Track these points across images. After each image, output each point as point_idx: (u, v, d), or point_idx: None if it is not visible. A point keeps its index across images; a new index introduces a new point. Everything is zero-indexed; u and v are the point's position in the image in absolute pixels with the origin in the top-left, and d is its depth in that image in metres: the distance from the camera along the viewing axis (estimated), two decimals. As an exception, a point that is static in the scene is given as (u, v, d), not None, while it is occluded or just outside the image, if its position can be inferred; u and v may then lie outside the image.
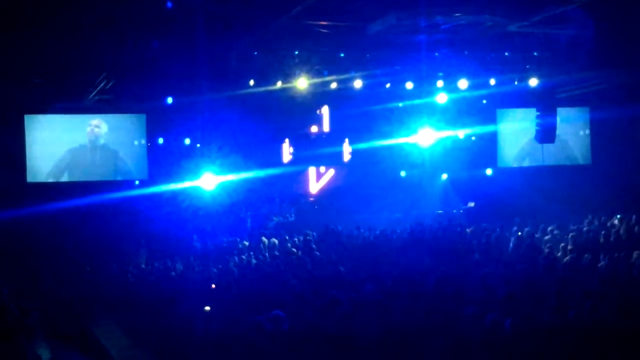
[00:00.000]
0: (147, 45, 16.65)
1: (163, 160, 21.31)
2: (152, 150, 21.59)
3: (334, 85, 21.25)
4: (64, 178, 20.96)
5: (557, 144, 24.17)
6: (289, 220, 22.38)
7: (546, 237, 17.58)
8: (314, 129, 22.88)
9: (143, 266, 16.62)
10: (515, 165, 24.90)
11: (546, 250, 16.06)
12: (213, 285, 13.74)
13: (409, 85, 21.65)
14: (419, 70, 20.90)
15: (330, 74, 20.77)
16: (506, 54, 20.46)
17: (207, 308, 11.28)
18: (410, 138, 23.25)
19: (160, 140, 21.83)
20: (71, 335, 11.38)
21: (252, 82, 20.17)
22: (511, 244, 17.51)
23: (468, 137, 24.16)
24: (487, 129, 24.04)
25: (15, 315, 11.08)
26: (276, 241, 18.60)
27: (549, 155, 24.72)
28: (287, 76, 20.14)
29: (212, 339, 9.75)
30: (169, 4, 14.33)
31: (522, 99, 22.79)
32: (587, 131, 25.22)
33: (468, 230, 19.36)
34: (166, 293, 13.17)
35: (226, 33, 16.41)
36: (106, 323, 12.28)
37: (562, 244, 16.40)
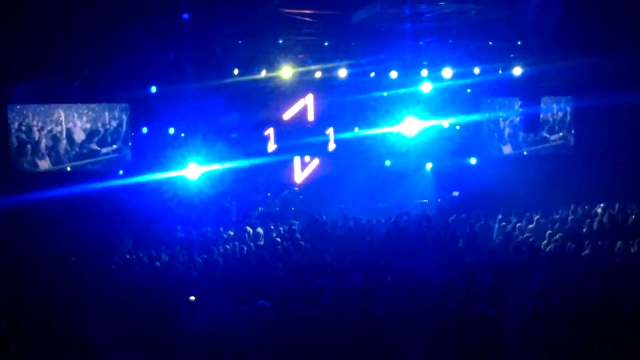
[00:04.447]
0: (130, 35, 16.55)
1: (147, 150, 21.22)
2: (136, 140, 21.51)
3: (318, 74, 21.23)
4: (45, 166, 21.01)
5: (540, 132, 24.40)
6: (274, 210, 22.36)
7: (530, 226, 17.67)
8: (298, 118, 22.82)
9: (127, 256, 16.55)
10: (499, 154, 24.98)
11: (531, 239, 16.13)
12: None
13: (394, 74, 21.67)
14: (403, 59, 20.93)
15: (314, 62, 20.76)
16: (490, 42, 20.50)
17: (192, 298, 11.26)
18: (394, 127, 23.26)
19: (144, 130, 21.73)
20: (54, 326, 11.32)
21: (236, 71, 20.13)
22: (495, 233, 17.57)
23: (452, 126, 24.18)
24: (472, 118, 24.08)
25: (1, 309, 11.02)
26: (261, 231, 18.57)
27: (533, 144, 24.88)
28: (271, 65, 20.11)
29: (197, 329, 9.74)
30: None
31: (507, 88, 22.86)
32: (571, 120, 25.33)
33: (452, 219, 19.41)
34: (151, 283, 13.13)
35: (210, 22, 16.33)
36: (90, 313, 12.23)
37: (549, 232, 16.50)
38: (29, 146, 21.09)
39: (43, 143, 21.20)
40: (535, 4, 16.34)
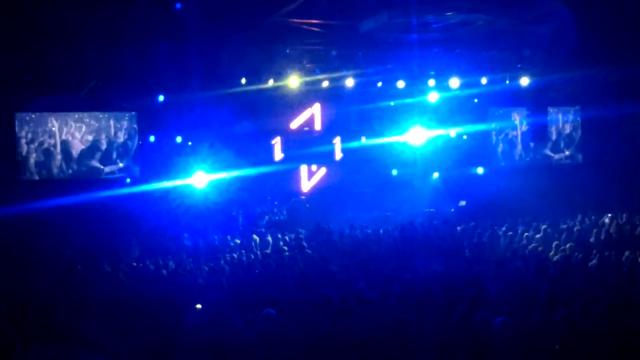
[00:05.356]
0: (138, 44, 16.61)
1: (154, 158, 21.23)
2: (143, 148, 21.51)
3: (325, 84, 21.29)
4: (55, 175, 20.17)
5: (547, 142, 24.34)
6: (281, 219, 22.38)
7: (538, 236, 17.64)
8: (305, 127, 22.86)
9: (134, 264, 16.57)
10: (506, 164, 24.97)
11: (538, 249, 16.11)
12: None
13: (401, 84, 21.72)
14: (410, 69, 20.98)
15: (321, 72, 20.82)
16: (497, 53, 20.52)
17: (199, 306, 11.27)
18: (401, 137, 23.30)
19: (152, 138, 21.73)
20: (62, 334, 11.35)
21: (243, 81, 20.18)
22: (502, 243, 17.54)
23: (459, 135, 24.20)
24: (479, 127, 24.09)
25: (6, 313, 11.04)
26: (270, 239, 18.59)
27: (540, 153, 24.86)
28: (278, 74, 20.17)
29: (203, 337, 9.74)
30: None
31: (514, 98, 22.88)
32: (578, 130, 25.32)
33: (459, 228, 19.39)
34: (158, 291, 13.14)
35: (217, 31, 16.39)
36: (97, 321, 12.25)
37: (556, 242, 16.47)
38: (36, 154, 19.89)
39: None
40: (545, 17, 16.37)
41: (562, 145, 25.16)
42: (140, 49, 16.94)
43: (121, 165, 20.63)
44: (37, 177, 19.94)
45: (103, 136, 20.46)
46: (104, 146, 20.46)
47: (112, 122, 20.63)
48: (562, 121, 24.99)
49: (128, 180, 21.13)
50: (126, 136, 20.75)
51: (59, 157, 19.99)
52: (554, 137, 24.84)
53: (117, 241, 18.43)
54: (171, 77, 19.00)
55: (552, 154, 25.07)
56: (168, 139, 21.65)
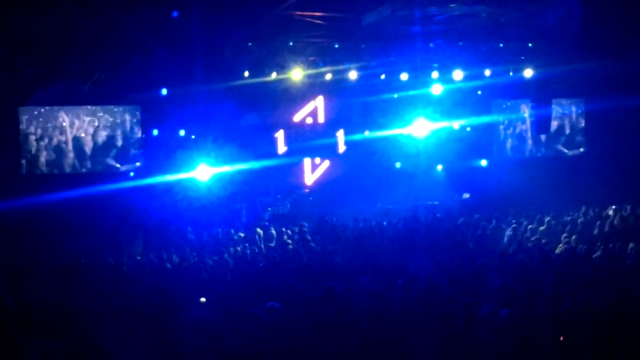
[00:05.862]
0: (141, 37, 16.59)
1: (158, 152, 21.22)
2: (146, 142, 21.49)
3: (328, 77, 21.27)
4: (58, 169, 20.17)
5: (551, 134, 24.29)
6: (284, 212, 22.38)
7: (541, 228, 17.63)
8: (308, 120, 22.86)
9: (138, 258, 16.59)
10: (510, 156, 24.94)
11: (542, 241, 16.10)
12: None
13: (404, 76, 21.68)
14: (413, 61, 20.94)
15: (325, 65, 20.80)
16: (501, 45, 20.47)
17: (203, 299, 11.28)
18: (405, 129, 23.28)
19: (155, 132, 21.72)
20: (66, 328, 11.37)
21: (246, 73, 20.16)
22: (506, 235, 17.53)
23: (463, 128, 24.15)
24: (482, 120, 24.06)
25: (11, 308, 11.05)
26: (274, 232, 18.60)
27: (544, 146, 24.82)
28: (281, 67, 20.14)
29: (207, 330, 9.75)
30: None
31: (518, 90, 22.86)
32: (582, 122, 25.27)
33: (461, 220, 19.36)
34: (161, 285, 13.14)
35: (221, 24, 16.36)
36: (100, 315, 12.26)
37: (564, 235, 16.46)
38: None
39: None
40: (551, 8, 16.32)
41: (565, 137, 25.10)
42: (144, 42, 16.92)
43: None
44: (40, 172, 19.91)
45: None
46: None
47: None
48: (565, 113, 24.95)
49: (132, 173, 21.13)
50: (131, 127, 20.73)
51: (71, 154, 19.85)
52: (557, 129, 24.79)
53: (121, 235, 18.45)
54: (175, 71, 18.97)
55: (562, 148, 25.04)
56: (171, 132, 21.62)
